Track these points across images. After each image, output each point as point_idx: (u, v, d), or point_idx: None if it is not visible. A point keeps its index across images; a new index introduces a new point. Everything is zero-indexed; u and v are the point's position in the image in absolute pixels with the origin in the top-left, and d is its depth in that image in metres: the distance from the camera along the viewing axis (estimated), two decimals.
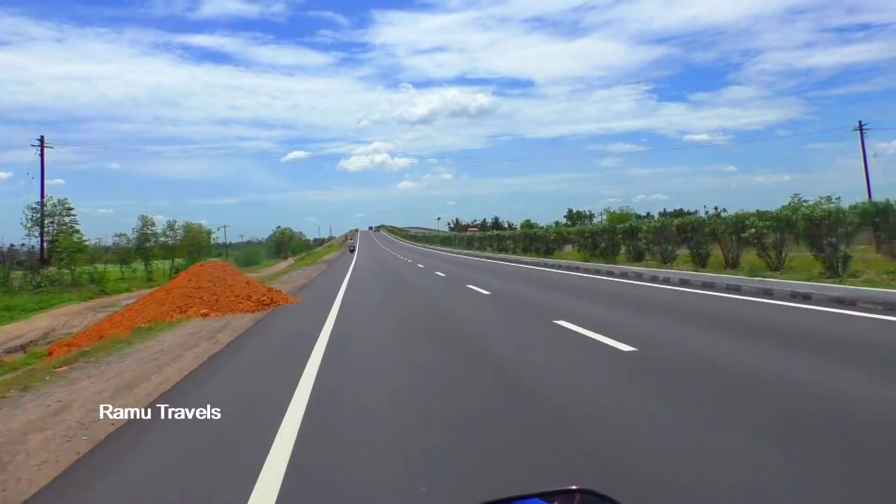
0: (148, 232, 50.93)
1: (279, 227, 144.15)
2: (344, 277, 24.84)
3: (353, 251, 79.46)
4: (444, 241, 79.06)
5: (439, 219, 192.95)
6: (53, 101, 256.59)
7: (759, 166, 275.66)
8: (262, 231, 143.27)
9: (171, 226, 62.57)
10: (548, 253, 30.22)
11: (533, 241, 33.60)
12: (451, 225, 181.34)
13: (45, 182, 42.20)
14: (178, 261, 77.38)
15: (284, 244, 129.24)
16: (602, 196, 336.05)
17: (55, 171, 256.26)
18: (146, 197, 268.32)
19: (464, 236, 65.46)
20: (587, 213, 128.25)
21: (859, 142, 44.87)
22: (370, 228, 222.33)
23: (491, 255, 39.81)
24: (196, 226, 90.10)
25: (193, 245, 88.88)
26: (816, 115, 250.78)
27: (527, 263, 26.16)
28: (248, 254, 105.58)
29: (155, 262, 67.60)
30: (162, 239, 57.67)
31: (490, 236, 47.05)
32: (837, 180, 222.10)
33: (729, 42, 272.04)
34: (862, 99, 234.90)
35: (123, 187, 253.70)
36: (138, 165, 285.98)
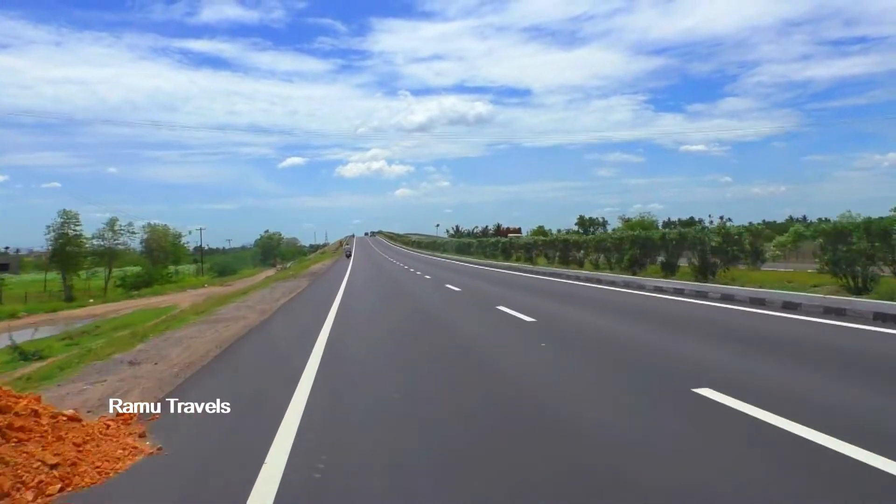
0: (69, 233, 35.84)
1: (267, 231, 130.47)
2: (329, 309, 13.89)
3: (349, 256, 72.56)
4: (460, 248, 65.50)
5: (438, 225, 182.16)
6: (52, 105, 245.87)
7: (755, 177, 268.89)
8: (257, 237, 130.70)
9: (111, 225, 46.57)
10: (702, 272, 16.88)
11: (648, 249, 20.29)
12: (451, 232, 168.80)
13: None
14: (131, 269, 63.30)
15: (272, 250, 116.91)
16: (599, 205, 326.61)
17: (52, 174, 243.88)
18: (143, 201, 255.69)
19: (491, 242, 51.86)
20: (600, 219, 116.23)
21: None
22: (366, 234, 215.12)
23: (558, 270, 26.62)
24: (161, 227, 75.53)
25: (160, 250, 74.37)
26: (813, 127, 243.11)
27: (681, 294, 13.47)
28: (227, 261, 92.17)
29: (108, 271, 53.91)
30: (91, 242, 42.10)
31: (547, 242, 33.50)
32: (833, 192, 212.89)
33: (726, 53, 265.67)
34: (859, 111, 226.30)
35: (121, 191, 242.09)
36: (136, 170, 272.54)
